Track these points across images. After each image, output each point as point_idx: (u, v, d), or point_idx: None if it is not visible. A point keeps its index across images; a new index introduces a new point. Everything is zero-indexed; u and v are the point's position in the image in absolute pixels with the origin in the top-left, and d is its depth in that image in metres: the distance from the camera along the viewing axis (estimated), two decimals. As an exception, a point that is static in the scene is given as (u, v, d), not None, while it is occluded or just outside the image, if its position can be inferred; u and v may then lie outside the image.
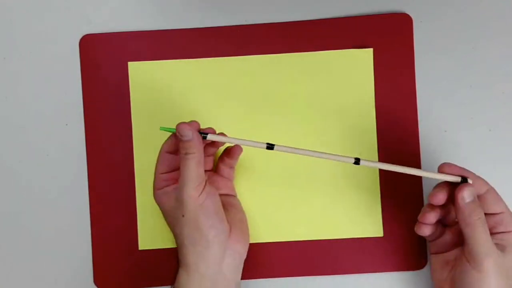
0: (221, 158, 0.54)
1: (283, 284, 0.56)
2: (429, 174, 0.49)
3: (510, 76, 0.57)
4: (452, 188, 0.49)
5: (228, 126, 0.55)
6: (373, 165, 0.52)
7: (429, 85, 0.56)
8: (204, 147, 0.50)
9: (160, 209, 0.52)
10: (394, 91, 0.56)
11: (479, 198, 0.49)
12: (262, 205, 0.56)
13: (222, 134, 0.52)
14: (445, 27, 0.57)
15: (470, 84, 0.57)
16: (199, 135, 0.49)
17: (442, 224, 0.52)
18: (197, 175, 0.48)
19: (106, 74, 0.57)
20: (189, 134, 0.48)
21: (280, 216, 0.56)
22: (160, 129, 0.50)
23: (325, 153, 0.50)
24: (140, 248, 0.56)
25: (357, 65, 0.56)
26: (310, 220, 0.56)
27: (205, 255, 0.49)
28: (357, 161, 0.49)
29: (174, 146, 0.51)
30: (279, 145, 0.50)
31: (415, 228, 0.52)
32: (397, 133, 0.56)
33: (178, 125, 0.48)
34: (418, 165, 0.55)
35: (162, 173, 0.51)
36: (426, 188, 0.56)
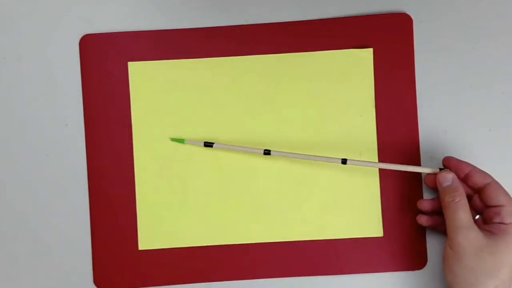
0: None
1: (283, 284, 0.56)
2: (410, 168, 0.53)
3: (510, 76, 0.57)
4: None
5: (228, 126, 0.55)
6: (360, 164, 0.54)
7: (429, 85, 0.56)
8: None
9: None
10: (394, 91, 0.56)
11: (480, 190, 0.52)
12: (262, 205, 0.56)
13: None
14: (445, 27, 0.57)
15: (470, 84, 0.56)
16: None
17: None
18: None
19: (106, 74, 0.57)
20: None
21: (280, 216, 0.56)
22: (172, 141, 0.53)
23: (314, 155, 0.53)
24: (140, 248, 0.56)
25: (357, 65, 0.56)
26: (310, 220, 0.56)
27: None
28: (344, 161, 0.53)
29: None
30: (275, 151, 0.54)
31: (417, 218, 0.54)
32: (397, 133, 0.56)
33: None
34: (418, 165, 0.55)
35: None
36: (426, 188, 0.56)
